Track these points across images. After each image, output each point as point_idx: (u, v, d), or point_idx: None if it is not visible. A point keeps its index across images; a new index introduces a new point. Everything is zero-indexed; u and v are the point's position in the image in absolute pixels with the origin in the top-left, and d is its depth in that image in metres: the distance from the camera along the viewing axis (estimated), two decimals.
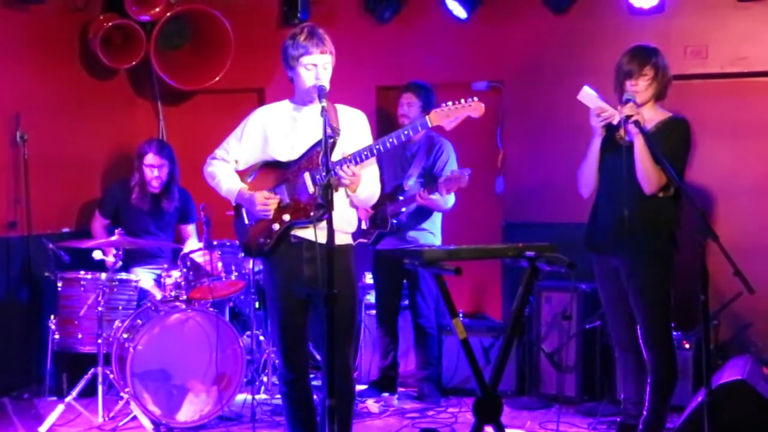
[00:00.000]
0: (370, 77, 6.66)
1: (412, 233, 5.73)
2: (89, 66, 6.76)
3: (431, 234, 5.77)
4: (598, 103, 4.33)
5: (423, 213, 5.74)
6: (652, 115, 4.37)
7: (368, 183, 3.99)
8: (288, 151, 4.00)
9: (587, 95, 4.35)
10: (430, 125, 3.94)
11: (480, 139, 6.44)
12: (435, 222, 5.80)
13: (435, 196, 5.53)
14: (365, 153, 3.87)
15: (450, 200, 5.65)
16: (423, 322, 5.81)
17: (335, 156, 3.89)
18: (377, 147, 3.87)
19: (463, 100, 3.91)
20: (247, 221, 4.09)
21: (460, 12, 6.38)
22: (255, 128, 4.07)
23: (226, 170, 4.10)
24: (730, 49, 5.95)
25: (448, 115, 3.90)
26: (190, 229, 6.45)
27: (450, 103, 3.93)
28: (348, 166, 3.82)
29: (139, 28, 6.66)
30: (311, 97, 3.90)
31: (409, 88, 5.86)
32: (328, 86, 3.90)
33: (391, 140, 3.90)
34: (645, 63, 4.32)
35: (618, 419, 4.69)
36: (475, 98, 3.92)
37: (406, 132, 3.91)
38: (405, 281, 5.92)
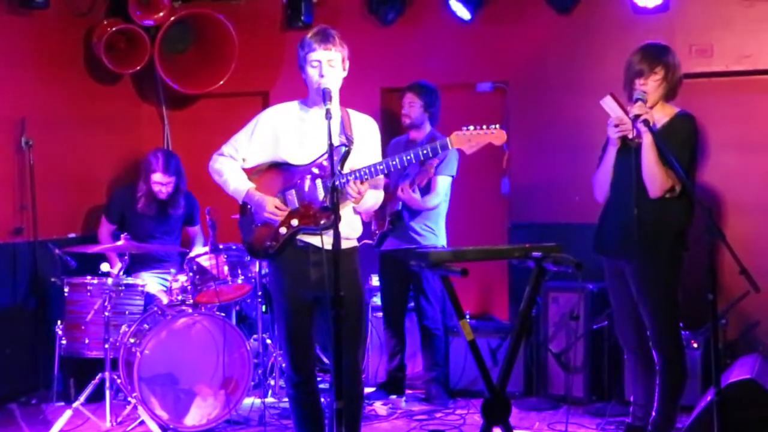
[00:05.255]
0: (374, 79, 6.64)
1: (414, 233, 5.70)
2: (93, 71, 6.76)
3: (434, 234, 5.73)
4: (618, 113, 4.30)
5: (424, 212, 5.71)
6: (661, 115, 4.35)
7: (371, 194, 3.99)
8: (298, 154, 3.98)
9: (610, 103, 4.31)
10: (450, 147, 3.88)
11: None
12: (437, 222, 5.76)
13: (416, 195, 5.52)
14: (380, 167, 3.83)
15: (430, 201, 5.62)
16: (429, 324, 5.79)
17: (348, 165, 3.87)
18: (393, 163, 3.85)
19: (485, 127, 3.84)
20: (253, 221, 4.06)
21: (463, 13, 6.37)
22: (266, 128, 4.04)
23: (233, 168, 4.06)
24: (736, 48, 5.92)
25: (469, 139, 3.85)
26: (197, 229, 6.50)
27: (472, 127, 3.85)
28: (356, 183, 3.80)
29: (143, 32, 6.66)
30: (320, 100, 3.87)
31: (412, 88, 5.87)
32: (335, 87, 3.90)
33: (408, 157, 3.86)
34: (656, 63, 4.29)
35: (627, 420, 4.68)
36: (497, 125, 3.85)
37: (425, 151, 3.86)
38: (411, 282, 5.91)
